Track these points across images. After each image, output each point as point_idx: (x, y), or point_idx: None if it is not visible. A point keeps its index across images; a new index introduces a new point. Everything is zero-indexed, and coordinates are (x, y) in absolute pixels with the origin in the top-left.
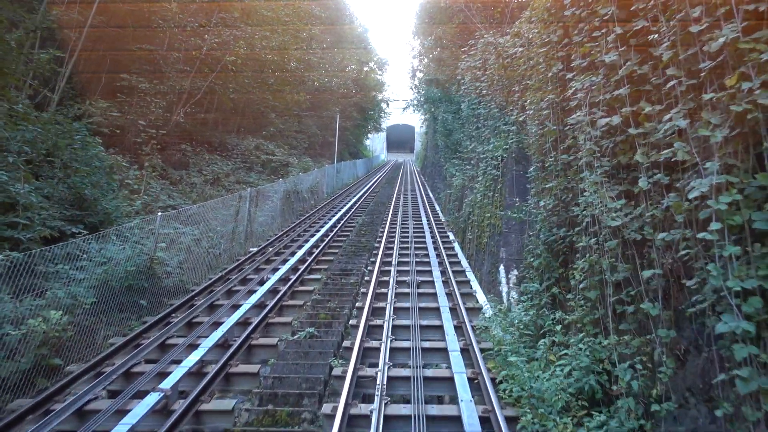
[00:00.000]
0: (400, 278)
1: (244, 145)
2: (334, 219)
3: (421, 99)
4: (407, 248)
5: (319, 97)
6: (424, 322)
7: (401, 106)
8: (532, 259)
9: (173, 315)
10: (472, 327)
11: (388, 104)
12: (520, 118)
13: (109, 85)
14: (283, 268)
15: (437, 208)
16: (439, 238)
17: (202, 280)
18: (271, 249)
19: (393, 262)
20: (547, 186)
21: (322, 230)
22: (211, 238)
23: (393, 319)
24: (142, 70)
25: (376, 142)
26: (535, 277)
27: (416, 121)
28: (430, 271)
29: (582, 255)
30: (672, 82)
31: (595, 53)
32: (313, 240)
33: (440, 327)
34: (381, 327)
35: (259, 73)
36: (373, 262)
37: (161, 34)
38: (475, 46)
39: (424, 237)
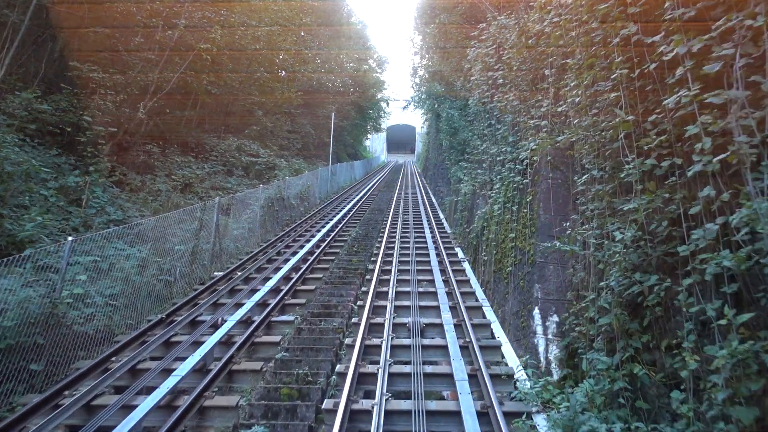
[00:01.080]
0: (398, 319)
1: (224, 146)
2: (323, 231)
3: (423, 96)
4: (407, 272)
5: (314, 96)
6: (433, 406)
7: (401, 105)
8: (595, 315)
9: (74, 387)
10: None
11: (388, 103)
12: (558, 109)
13: (61, 74)
14: (249, 303)
15: (441, 216)
16: (445, 258)
17: (141, 322)
18: (240, 273)
19: (390, 295)
20: (624, 207)
21: (308, 246)
22: (163, 260)
23: (386, 401)
24: (98, 58)
25: (376, 143)
26: (600, 345)
27: (417, 121)
28: (438, 309)
29: (702, 328)
30: None
31: None
32: (294, 260)
33: (457, 414)
34: (369, 415)
35: (245, 66)
36: (365, 293)
37: (125, 16)
38: (487, 29)
39: (428, 256)
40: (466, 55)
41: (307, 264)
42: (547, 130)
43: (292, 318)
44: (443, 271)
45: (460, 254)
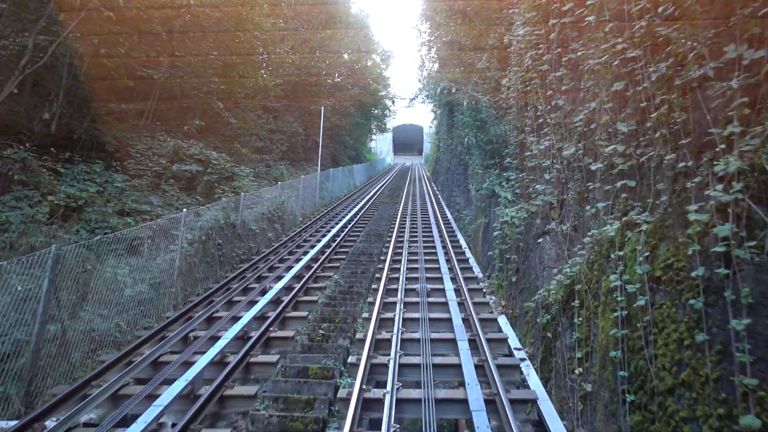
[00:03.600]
0: None
1: (158, 149)
2: (287, 278)
3: (432, 87)
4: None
5: (304, 89)
6: None
7: (407, 103)
8: None
9: None
10: None
11: (393, 101)
12: None
13: None
14: None
15: (462, 243)
16: (482, 341)
17: None
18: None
19: None
20: None
21: (246, 317)
22: None
23: None
24: None
25: (381, 144)
26: None
27: (425, 121)
28: None
29: None
30: None
31: None
32: (201, 364)
33: None
34: None
35: (195, 41)
36: None
37: None
38: None
39: (452, 340)
40: (493, 18)
41: (230, 369)
42: None
43: None
44: (484, 381)
45: (509, 333)
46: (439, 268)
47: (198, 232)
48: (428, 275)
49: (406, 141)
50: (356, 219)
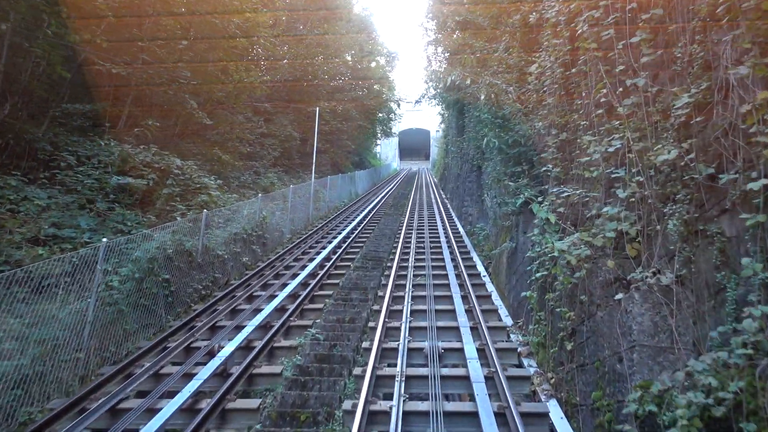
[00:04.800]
0: None
1: (105, 156)
2: (249, 328)
3: (441, 85)
4: None
5: (301, 89)
6: None
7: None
8: None
9: None
10: None
11: (399, 104)
12: None
13: None
14: None
15: (480, 269)
16: None
17: None
18: None
19: None
20: None
21: (168, 409)
22: None
23: None
24: None
25: (387, 149)
26: None
27: (431, 125)
28: None
29: None
30: None
31: None
32: None
33: None
34: None
35: (164, 27)
36: None
37: None
38: None
39: None
40: None
41: None
42: None
43: None
44: None
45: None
46: (454, 311)
47: (132, 267)
48: (440, 323)
49: (413, 145)
50: (353, 236)
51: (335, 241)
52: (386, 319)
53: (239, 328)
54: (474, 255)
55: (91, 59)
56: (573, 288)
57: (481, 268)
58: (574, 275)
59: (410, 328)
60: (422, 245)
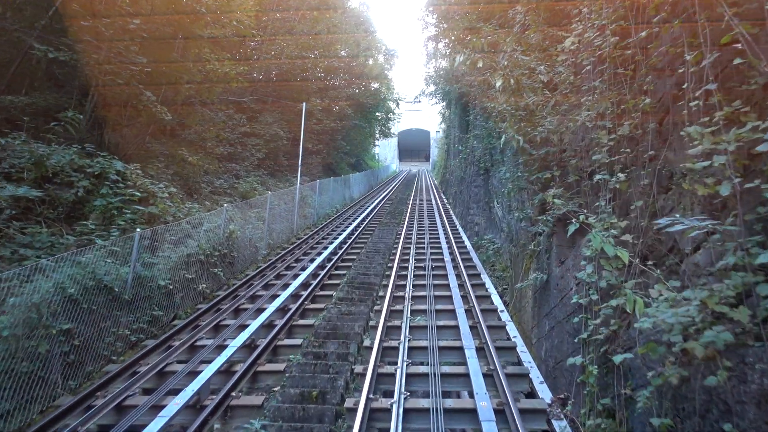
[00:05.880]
0: None
1: (13, 159)
2: (173, 408)
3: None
4: None
5: (289, 84)
6: None
7: (414, 106)
8: None
9: None
10: None
11: (398, 104)
12: None
13: None
14: None
15: (496, 302)
16: None
17: None
18: None
19: None
20: None
21: None
22: None
23: None
24: None
25: (386, 150)
26: None
27: (431, 126)
28: None
29: None
30: None
31: None
32: None
33: None
34: None
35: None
36: None
37: None
38: None
39: None
40: None
41: None
42: None
43: None
44: None
45: None
46: (467, 375)
47: (2, 321)
48: (448, 403)
49: (413, 146)
50: (341, 252)
51: (319, 259)
52: (370, 396)
53: (158, 408)
54: (485, 279)
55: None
56: (688, 390)
57: (496, 298)
58: (689, 372)
59: (405, 412)
60: (422, 264)
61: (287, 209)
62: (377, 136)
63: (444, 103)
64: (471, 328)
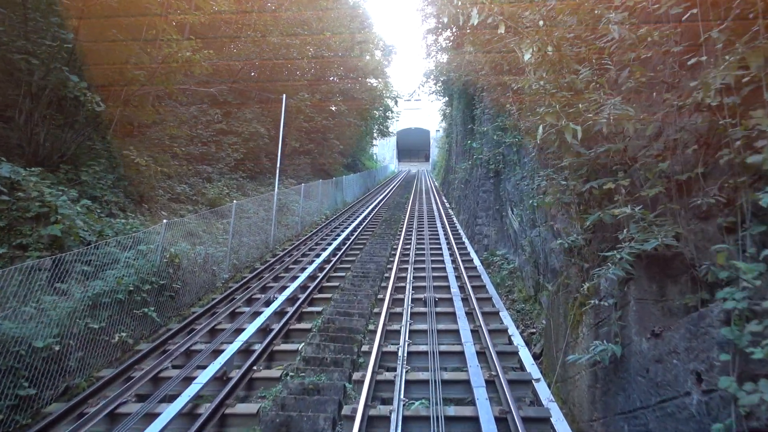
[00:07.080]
0: None
1: None
2: None
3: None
4: None
5: (271, 76)
6: None
7: (413, 103)
8: None
9: None
10: None
11: (396, 101)
12: None
13: None
14: None
15: (532, 371)
16: None
17: None
18: None
19: None
20: None
21: None
22: None
23: None
24: None
25: (385, 150)
26: None
27: (431, 125)
28: None
29: None
30: None
31: None
32: None
33: None
34: None
35: None
36: None
37: None
38: None
39: None
40: None
41: None
42: None
43: None
44: None
45: None
46: None
47: None
48: None
49: (412, 146)
50: (322, 276)
51: (292, 287)
52: None
53: None
54: (508, 323)
55: None
56: None
57: (526, 355)
58: None
59: None
60: (421, 297)
61: (265, 218)
62: (375, 135)
63: (445, 99)
64: (498, 420)
